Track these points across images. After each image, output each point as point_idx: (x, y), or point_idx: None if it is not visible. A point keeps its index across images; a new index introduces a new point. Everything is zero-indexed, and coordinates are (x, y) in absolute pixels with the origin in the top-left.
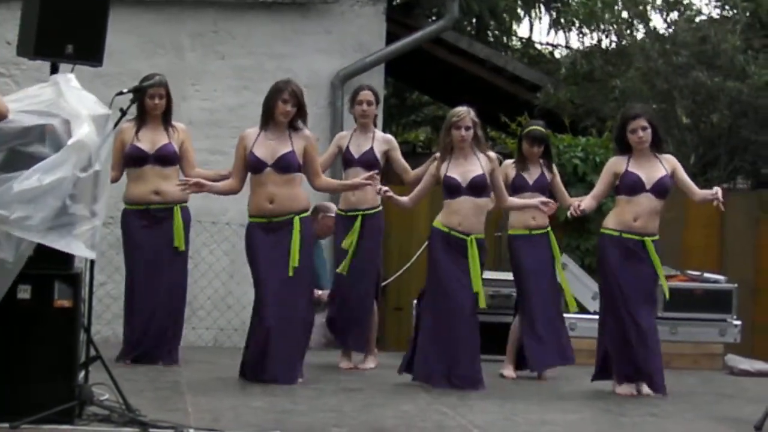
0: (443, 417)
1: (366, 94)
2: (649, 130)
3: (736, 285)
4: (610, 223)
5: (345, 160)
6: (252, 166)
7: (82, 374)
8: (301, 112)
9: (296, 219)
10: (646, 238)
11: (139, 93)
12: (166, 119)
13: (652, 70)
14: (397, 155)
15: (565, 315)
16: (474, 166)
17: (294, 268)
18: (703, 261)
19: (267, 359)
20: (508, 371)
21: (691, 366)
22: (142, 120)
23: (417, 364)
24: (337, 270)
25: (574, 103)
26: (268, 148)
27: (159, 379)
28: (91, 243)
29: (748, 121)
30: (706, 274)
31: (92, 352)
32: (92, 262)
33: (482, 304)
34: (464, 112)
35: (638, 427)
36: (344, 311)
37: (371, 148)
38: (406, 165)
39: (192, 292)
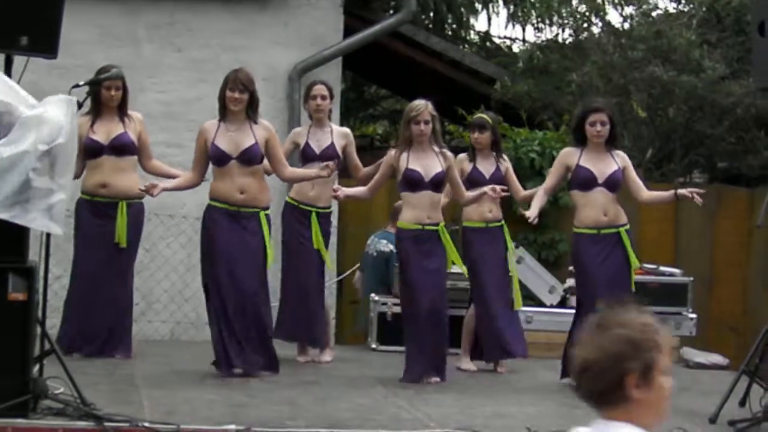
0: (399, 410)
1: (320, 89)
2: (608, 126)
3: (691, 278)
4: (584, 221)
5: (305, 156)
6: (215, 158)
7: (36, 368)
8: (252, 99)
9: (261, 215)
10: (620, 229)
11: (96, 85)
12: (122, 111)
13: (608, 64)
14: (352, 150)
15: (523, 308)
16: (433, 161)
17: (252, 259)
18: (658, 254)
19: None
20: (466, 364)
21: None
22: (97, 112)
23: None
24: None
25: (531, 97)
26: (230, 140)
27: (114, 373)
28: (58, 217)
29: (704, 115)
30: (662, 268)
31: (47, 346)
32: (47, 256)
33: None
34: (422, 106)
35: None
36: (297, 307)
37: (332, 143)
38: (359, 162)
39: (148, 286)
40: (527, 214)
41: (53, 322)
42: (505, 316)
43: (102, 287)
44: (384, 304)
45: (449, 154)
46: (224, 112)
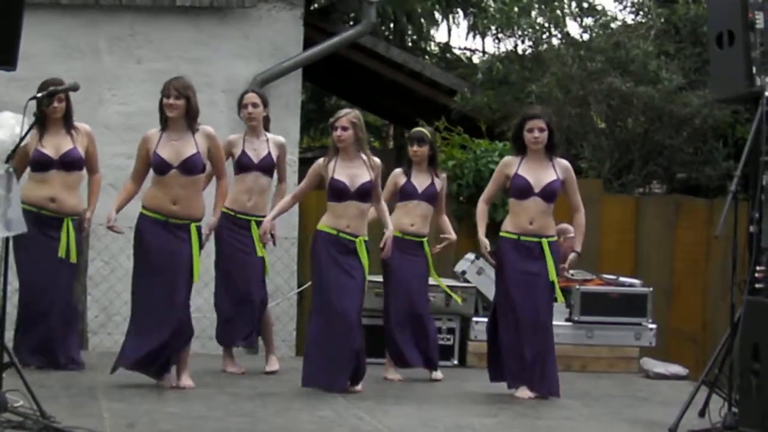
0: (359, 422)
1: (250, 97)
2: (546, 133)
3: (651, 289)
4: (508, 226)
5: (242, 164)
6: (157, 167)
7: None
8: (189, 106)
9: (193, 226)
10: (543, 239)
11: (52, 97)
12: (67, 122)
13: (567, 75)
14: (283, 160)
15: (480, 318)
16: (361, 170)
17: (183, 270)
18: (618, 265)
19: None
20: (392, 374)
21: (606, 369)
22: (43, 125)
23: (304, 371)
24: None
25: (491, 108)
26: (172, 149)
27: (74, 385)
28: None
29: (662, 125)
30: (622, 278)
31: (6, 359)
32: (6, 268)
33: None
34: (343, 113)
35: (553, 430)
36: (237, 316)
37: (269, 153)
38: (285, 174)
39: (108, 298)
40: (485, 249)
41: (11, 335)
42: (408, 327)
43: (48, 299)
44: None
45: (377, 162)
46: (165, 122)
